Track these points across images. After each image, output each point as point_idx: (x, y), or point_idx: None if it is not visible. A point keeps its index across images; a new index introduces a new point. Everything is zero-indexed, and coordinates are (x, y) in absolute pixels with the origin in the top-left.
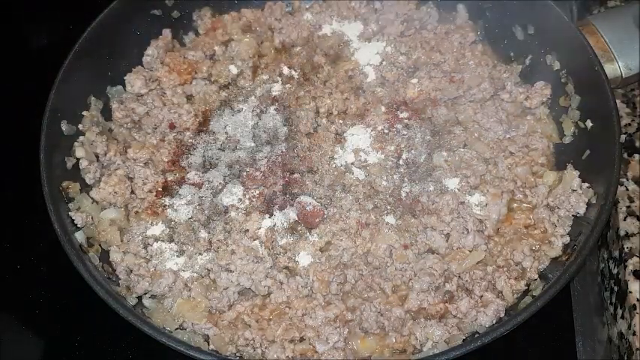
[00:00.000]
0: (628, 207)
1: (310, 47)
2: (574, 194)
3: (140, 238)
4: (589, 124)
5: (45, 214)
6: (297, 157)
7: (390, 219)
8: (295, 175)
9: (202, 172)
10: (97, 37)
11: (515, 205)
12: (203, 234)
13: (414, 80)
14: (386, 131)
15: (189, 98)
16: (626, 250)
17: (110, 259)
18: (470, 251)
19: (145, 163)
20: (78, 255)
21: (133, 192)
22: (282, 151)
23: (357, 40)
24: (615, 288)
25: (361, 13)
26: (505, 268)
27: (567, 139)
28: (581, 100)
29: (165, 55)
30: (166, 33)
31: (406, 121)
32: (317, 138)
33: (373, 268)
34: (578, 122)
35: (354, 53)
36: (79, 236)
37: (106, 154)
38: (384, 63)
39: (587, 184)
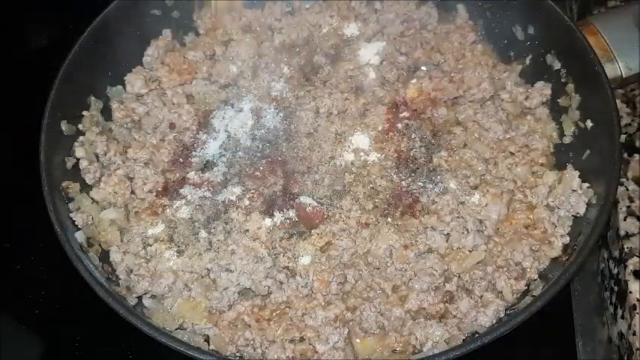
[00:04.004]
0: (628, 207)
1: (310, 47)
2: (574, 194)
3: (140, 238)
4: (589, 124)
5: (45, 214)
6: (297, 157)
7: (390, 219)
8: (295, 175)
9: (202, 172)
10: (97, 37)
11: (516, 205)
12: (203, 234)
13: (414, 80)
14: (386, 131)
15: (189, 98)
16: (626, 250)
17: (110, 259)
18: (470, 251)
19: (145, 163)
20: (78, 255)
21: (133, 192)
22: (282, 151)
23: (357, 40)
24: (615, 288)
25: (361, 13)
26: (505, 268)
27: (567, 139)
28: (581, 100)
29: (165, 55)
30: (166, 33)
31: (406, 121)
32: (317, 138)
33: (373, 268)
34: (578, 122)
35: (354, 53)
36: (79, 236)
37: (106, 154)
38: (384, 63)
39: (587, 184)
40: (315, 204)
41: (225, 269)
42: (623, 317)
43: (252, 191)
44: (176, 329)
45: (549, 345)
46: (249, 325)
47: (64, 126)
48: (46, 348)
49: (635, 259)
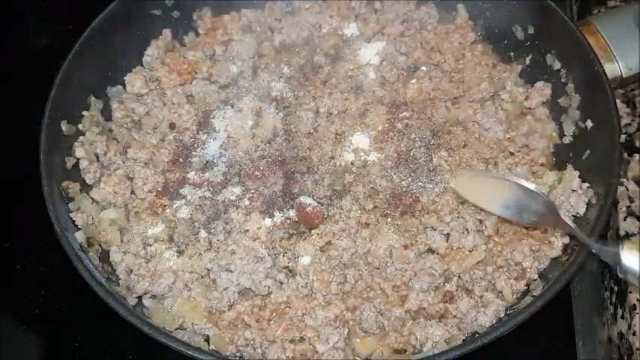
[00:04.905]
0: (628, 207)
1: (310, 47)
2: (574, 194)
3: (140, 238)
4: (589, 124)
5: (45, 214)
6: (297, 157)
7: (390, 219)
8: (295, 175)
9: (202, 172)
10: (97, 37)
11: None
12: (203, 234)
13: (414, 80)
14: (386, 131)
15: (189, 98)
16: None
17: (110, 259)
18: (470, 251)
19: (145, 163)
20: (78, 255)
21: (133, 192)
22: (282, 151)
23: (357, 40)
24: (615, 288)
25: (361, 13)
26: (505, 268)
27: (567, 139)
28: (581, 100)
29: (165, 55)
30: (166, 33)
31: (406, 121)
32: (317, 138)
33: (373, 268)
34: (578, 122)
35: (354, 53)
36: (79, 236)
37: (106, 154)
38: (384, 63)
39: (587, 184)
40: (315, 204)
41: (225, 269)
42: (623, 317)
43: (252, 191)
44: (176, 329)
45: (549, 345)
46: (249, 325)
47: (64, 126)
48: (46, 348)
49: None
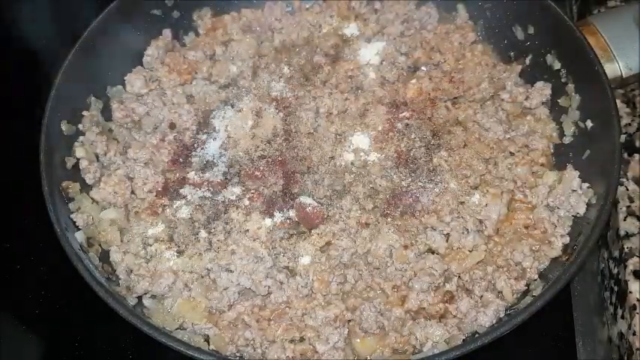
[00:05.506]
0: (628, 207)
1: (310, 47)
2: (574, 194)
3: (140, 238)
4: (589, 124)
5: (45, 214)
6: (297, 157)
7: (390, 219)
8: (295, 175)
9: (202, 172)
10: (97, 37)
11: (516, 205)
12: (203, 234)
13: (414, 80)
14: (386, 131)
15: (189, 98)
16: (626, 250)
17: (110, 259)
18: (470, 251)
19: (145, 163)
20: (78, 255)
21: (133, 192)
22: (282, 151)
23: (357, 40)
24: (615, 288)
25: (361, 13)
26: (505, 268)
27: (567, 139)
28: (581, 100)
29: (165, 55)
30: (166, 33)
31: (406, 121)
32: (317, 138)
33: (373, 268)
34: (578, 122)
35: (354, 53)
36: (79, 236)
37: (106, 154)
38: (384, 63)
39: (587, 184)
40: (315, 204)
41: (225, 269)
42: (623, 317)
43: (252, 191)
44: (176, 329)
45: (549, 345)
46: (249, 325)
47: (64, 126)
48: (46, 348)
49: (635, 259)
